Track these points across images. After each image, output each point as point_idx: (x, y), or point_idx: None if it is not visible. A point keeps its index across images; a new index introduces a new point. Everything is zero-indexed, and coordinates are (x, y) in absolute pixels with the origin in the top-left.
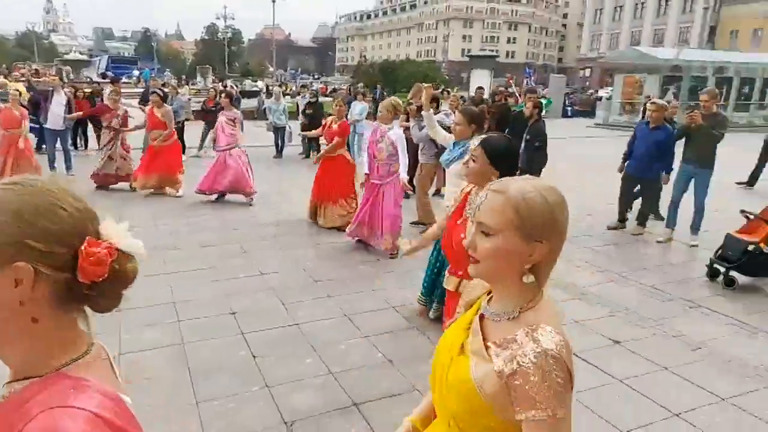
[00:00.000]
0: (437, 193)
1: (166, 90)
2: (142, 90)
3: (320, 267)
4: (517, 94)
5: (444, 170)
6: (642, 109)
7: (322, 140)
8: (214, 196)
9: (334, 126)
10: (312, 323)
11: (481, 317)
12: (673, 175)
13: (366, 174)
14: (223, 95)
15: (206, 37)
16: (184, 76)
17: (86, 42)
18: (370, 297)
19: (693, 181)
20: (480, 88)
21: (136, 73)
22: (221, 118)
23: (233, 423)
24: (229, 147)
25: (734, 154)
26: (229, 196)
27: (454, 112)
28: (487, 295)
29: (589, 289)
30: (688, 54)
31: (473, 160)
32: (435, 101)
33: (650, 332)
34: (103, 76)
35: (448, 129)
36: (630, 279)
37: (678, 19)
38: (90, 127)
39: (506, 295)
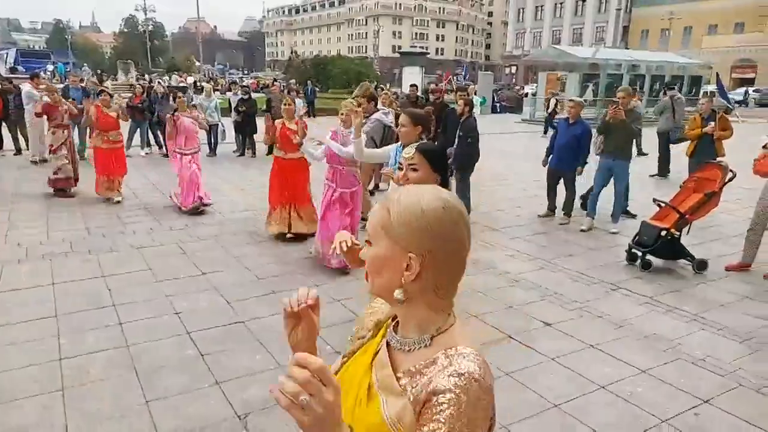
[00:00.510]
0: (376, 188)
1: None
2: (61, 86)
3: (262, 264)
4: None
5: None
6: (550, 104)
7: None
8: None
9: (293, 126)
10: (259, 320)
11: (388, 346)
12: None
13: (330, 185)
14: (179, 95)
15: (126, 30)
16: (99, 71)
17: None
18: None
19: (613, 172)
20: (413, 85)
21: (50, 67)
22: (185, 120)
23: (186, 419)
24: (194, 151)
25: (647, 147)
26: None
27: (389, 109)
28: (392, 320)
29: (522, 275)
30: (605, 53)
31: (414, 169)
32: (373, 100)
33: (577, 314)
34: (12, 70)
35: (386, 128)
36: (558, 265)
37: (594, 18)
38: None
39: (413, 320)
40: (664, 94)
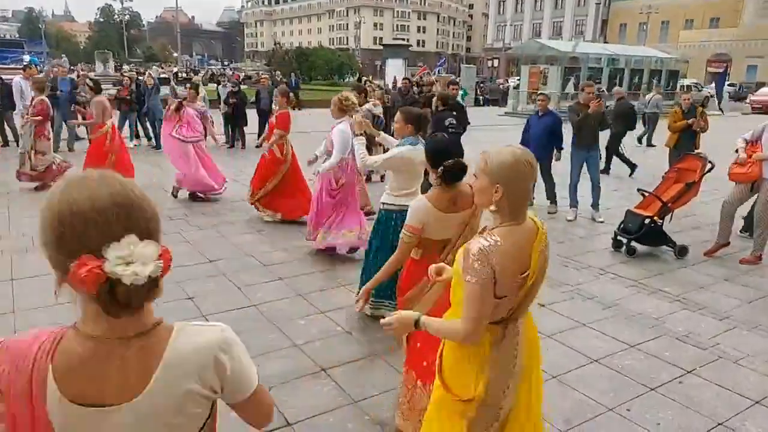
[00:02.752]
0: (368, 180)
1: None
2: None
3: (264, 251)
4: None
5: None
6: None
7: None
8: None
9: None
10: (269, 303)
11: None
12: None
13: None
14: (188, 87)
15: (101, 20)
16: (69, 61)
17: None
18: (318, 277)
19: (586, 163)
20: (406, 78)
21: (26, 58)
22: (189, 110)
23: None
24: (197, 140)
25: (629, 138)
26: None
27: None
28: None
29: None
30: (585, 47)
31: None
32: (363, 93)
33: (569, 295)
34: None
35: (375, 117)
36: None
37: (574, 12)
38: None
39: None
40: None
